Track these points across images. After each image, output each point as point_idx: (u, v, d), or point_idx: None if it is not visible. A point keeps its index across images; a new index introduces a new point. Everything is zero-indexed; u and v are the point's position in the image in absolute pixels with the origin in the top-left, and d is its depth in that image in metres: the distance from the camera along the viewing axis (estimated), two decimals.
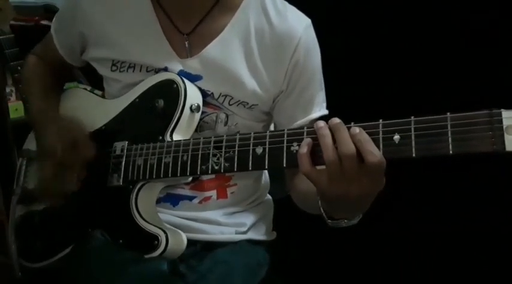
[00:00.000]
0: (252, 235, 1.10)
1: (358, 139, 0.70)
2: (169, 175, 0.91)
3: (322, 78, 1.05)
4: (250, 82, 0.99)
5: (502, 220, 1.42)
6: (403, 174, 1.49)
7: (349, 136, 0.71)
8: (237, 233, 1.08)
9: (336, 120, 0.73)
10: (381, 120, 0.71)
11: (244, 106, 1.01)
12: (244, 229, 1.09)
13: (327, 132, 0.72)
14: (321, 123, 0.74)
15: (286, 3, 1.03)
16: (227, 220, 1.08)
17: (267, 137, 0.80)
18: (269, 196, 1.20)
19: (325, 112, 1.05)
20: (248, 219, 1.10)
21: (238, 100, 1.00)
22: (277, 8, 1.01)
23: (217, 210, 1.07)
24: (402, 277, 1.57)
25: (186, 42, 1.00)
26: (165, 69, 1.00)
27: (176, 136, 0.94)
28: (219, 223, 1.07)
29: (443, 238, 1.51)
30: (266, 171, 1.18)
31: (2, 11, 1.78)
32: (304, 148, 0.74)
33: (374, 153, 0.69)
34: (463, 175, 1.43)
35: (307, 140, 0.74)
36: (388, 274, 1.59)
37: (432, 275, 1.56)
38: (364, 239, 1.54)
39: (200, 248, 1.04)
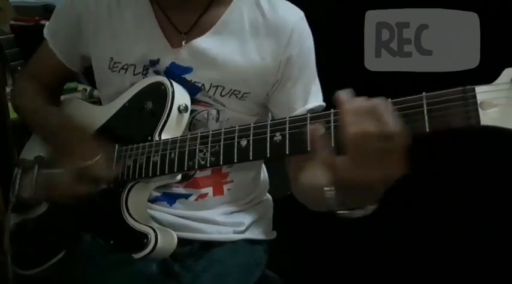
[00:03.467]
0: (250, 235, 1.10)
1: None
2: (158, 174, 0.91)
3: (315, 69, 1.05)
4: (243, 70, 0.99)
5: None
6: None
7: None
8: (234, 232, 1.08)
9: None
10: None
11: (237, 97, 1.01)
12: (242, 228, 1.09)
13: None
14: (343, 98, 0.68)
15: None
16: (225, 220, 1.07)
17: (251, 129, 0.81)
18: (268, 196, 1.20)
19: (321, 102, 1.03)
20: (246, 219, 1.10)
21: (230, 90, 1.00)
22: (271, 2, 1.01)
23: (214, 209, 1.07)
24: (402, 276, 1.57)
25: (184, 41, 1.00)
26: (158, 61, 1.01)
27: (165, 136, 0.95)
28: (216, 223, 1.06)
29: (444, 239, 1.51)
30: (265, 170, 1.18)
31: (2, 11, 1.79)
32: (320, 130, 0.70)
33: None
34: (458, 174, 1.44)
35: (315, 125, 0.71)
36: (388, 273, 1.59)
37: (432, 275, 1.56)
38: (364, 238, 1.54)
39: (197, 248, 1.04)
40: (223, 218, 1.07)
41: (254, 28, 1.00)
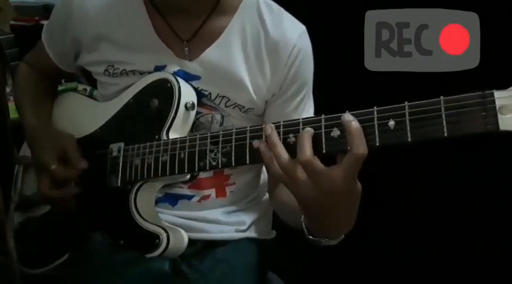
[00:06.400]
0: (252, 234, 1.10)
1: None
2: (167, 174, 0.91)
3: (311, 86, 1.06)
4: (248, 87, 0.99)
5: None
6: (402, 176, 1.50)
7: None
8: (237, 231, 1.08)
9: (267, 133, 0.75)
10: (375, 107, 0.70)
11: (240, 110, 1.01)
12: (244, 227, 1.09)
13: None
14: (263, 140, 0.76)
15: (282, 9, 1.03)
16: (227, 219, 1.07)
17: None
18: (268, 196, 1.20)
19: None
20: (248, 218, 1.10)
21: (235, 103, 1.00)
22: (273, 14, 1.00)
23: (216, 209, 1.07)
24: (402, 277, 1.57)
25: (186, 49, 0.99)
26: (164, 67, 0.99)
27: (172, 135, 0.94)
28: (218, 222, 1.06)
29: (446, 242, 1.52)
30: (265, 171, 1.18)
31: (2, 11, 1.79)
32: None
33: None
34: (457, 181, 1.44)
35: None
36: (389, 274, 1.59)
37: (434, 278, 1.56)
38: (365, 238, 1.54)
39: (201, 248, 1.04)
40: (225, 217, 1.07)
41: (256, 43, 0.99)
